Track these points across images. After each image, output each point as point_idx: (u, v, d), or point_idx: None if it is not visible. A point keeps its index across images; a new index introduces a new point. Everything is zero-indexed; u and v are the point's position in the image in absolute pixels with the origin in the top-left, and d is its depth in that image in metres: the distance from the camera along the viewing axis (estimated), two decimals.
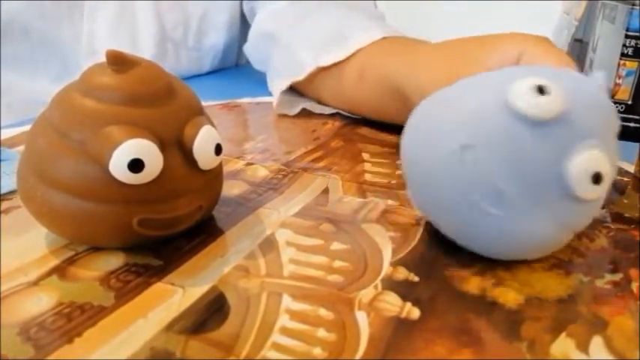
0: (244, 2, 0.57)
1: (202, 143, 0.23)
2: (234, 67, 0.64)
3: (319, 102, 0.47)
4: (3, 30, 0.47)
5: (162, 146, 0.22)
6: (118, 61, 0.22)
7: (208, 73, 0.60)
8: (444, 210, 0.23)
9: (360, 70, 0.41)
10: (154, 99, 0.22)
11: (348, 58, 0.42)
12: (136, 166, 0.20)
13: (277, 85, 0.45)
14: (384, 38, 0.42)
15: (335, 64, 0.43)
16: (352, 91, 0.42)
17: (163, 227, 0.23)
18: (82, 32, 0.49)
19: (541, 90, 0.20)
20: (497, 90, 0.21)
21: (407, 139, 0.24)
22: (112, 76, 0.22)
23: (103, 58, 0.23)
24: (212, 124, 0.24)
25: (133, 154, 0.20)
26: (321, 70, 0.43)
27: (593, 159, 0.20)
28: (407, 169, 0.24)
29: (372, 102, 0.41)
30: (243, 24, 0.57)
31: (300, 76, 0.44)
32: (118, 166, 0.20)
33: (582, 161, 0.20)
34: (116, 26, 0.51)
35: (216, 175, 0.25)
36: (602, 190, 0.21)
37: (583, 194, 0.21)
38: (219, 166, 0.26)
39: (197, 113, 0.24)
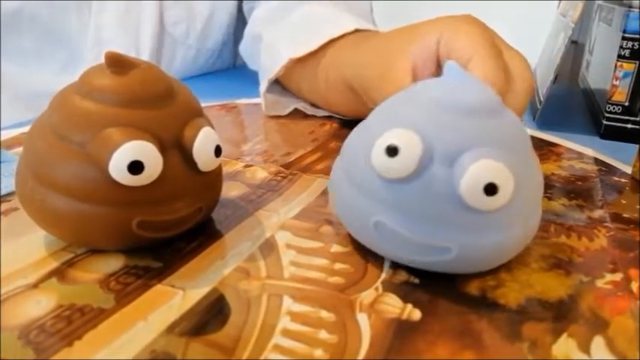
0: (244, 2, 0.57)
1: (202, 145, 0.23)
2: (231, 67, 0.64)
3: (302, 99, 0.47)
4: (10, 20, 0.47)
5: (162, 148, 0.21)
6: (117, 63, 0.22)
7: (206, 74, 0.60)
8: (391, 258, 0.23)
9: (327, 65, 0.41)
10: (153, 101, 0.22)
11: (320, 52, 0.42)
12: (135, 167, 0.20)
13: (262, 85, 0.45)
14: (357, 30, 0.42)
15: (309, 58, 0.42)
16: (323, 87, 0.42)
17: (163, 229, 0.23)
18: (90, 24, 0.49)
19: (392, 151, 0.20)
20: (368, 154, 0.21)
21: (332, 204, 0.25)
22: (111, 77, 0.22)
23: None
24: (211, 126, 0.24)
25: (132, 156, 0.20)
26: (297, 66, 0.43)
27: (480, 172, 0.19)
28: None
29: (338, 98, 0.41)
30: (241, 24, 0.57)
31: (275, 72, 0.44)
32: (117, 168, 0.20)
33: (469, 179, 0.19)
34: (122, 19, 0.51)
35: (215, 177, 0.25)
36: (504, 198, 0.19)
37: (482, 207, 0.20)
38: (219, 168, 0.26)
39: (196, 115, 0.24)
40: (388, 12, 0.59)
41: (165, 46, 0.54)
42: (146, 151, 0.21)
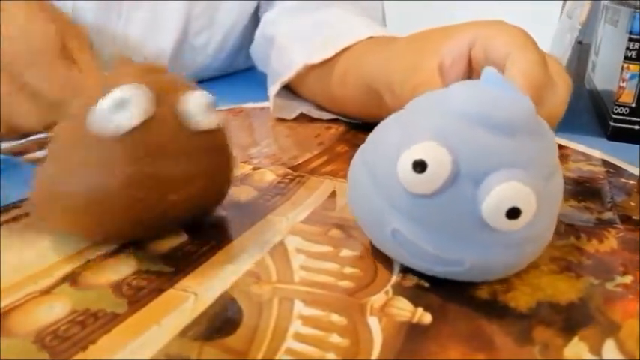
0: (261, 6, 0.56)
1: (191, 101, 0.23)
2: (239, 71, 0.64)
3: (312, 103, 0.47)
4: None
5: (157, 102, 0.22)
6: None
7: (213, 78, 0.60)
8: (407, 264, 0.23)
9: (345, 70, 0.41)
10: (146, 72, 0.23)
11: (335, 58, 0.42)
12: (123, 106, 0.21)
13: (271, 88, 0.46)
14: (371, 37, 0.42)
15: (323, 64, 0.43)
16: (339, 92, 0.42)
17: (156, 188, 0.22)
18: (117, 31, 0.50)
19: (421, 166, 0.19)
20: (394, 163, 0.20)
21: (350, 204, 0.24)
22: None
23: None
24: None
25: (122, 95, 0.21)
26: (311, 70, 0.44)
27: (504, 196, 0.19)
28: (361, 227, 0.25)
29: (355, 102, 0.41)
30: (252, 27, 0.57)
31: (288, 76, 0.44)
32: (107, 110, 0.21)
33: (492, 201, 0.19)
34: (149, 28, 0.51)
35: (216, 149, 0.25)
36: (525, 221, 0.19)
37: (502, 228, 0.19)
38: (221, 141, 0.25)
39: (189, 87, 0.24)
40: (396, 14, 0.59)
41: (185, 54, 0.54)
42: (139, 91, 0.21)
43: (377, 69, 0.36)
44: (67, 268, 0.23)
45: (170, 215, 0.24)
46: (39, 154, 0.33)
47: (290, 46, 0.46)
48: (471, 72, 0.31)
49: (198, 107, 0.23)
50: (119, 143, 0.21)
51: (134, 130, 0.21)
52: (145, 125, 0.21)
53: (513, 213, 0.19)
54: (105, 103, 0.21)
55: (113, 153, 0.22)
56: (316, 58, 0.43)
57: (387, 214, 0.21)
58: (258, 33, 0.53)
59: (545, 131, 0.22)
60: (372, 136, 0.24)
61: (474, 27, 0.31)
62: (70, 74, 0.26)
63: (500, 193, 0.19)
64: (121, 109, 0.21)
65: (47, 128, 0.27)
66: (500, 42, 0.29)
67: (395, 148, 0.21)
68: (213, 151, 0.25)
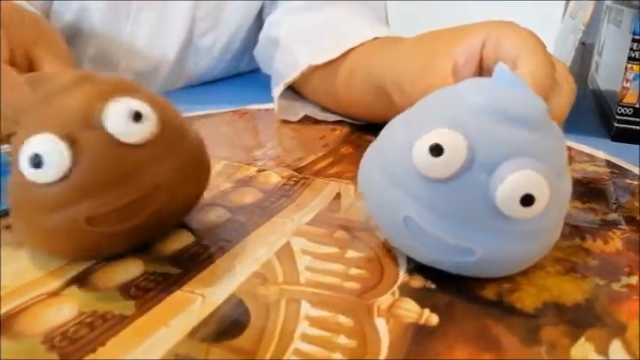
0: (265, 7, 0.56)
1: (112, 115, 0.21)
2: (243, 73, 0.64)
3: (317, 104, 0.47)
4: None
5: (71, 137, 0.21)
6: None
7: (218, 80, 0.60)
8: (412, 256, 0.23)
9: (350, 70, 0.41)
10: (58, 92, 0.22)
11: (340, 59, 0.42)
12: (37, 162, 0.20)
13: (276, 89, 0.46)
14: (376, 38, 0.42)
15: (328, 65, 0.43)
16: (344, 92, 0.43)
17: (119, 219, 0.22)
18: (126, 32, 0.50)
19: (437, 150, 0.20)
20: (410, 150, 0.21)
21: (362, 197, 0.24)
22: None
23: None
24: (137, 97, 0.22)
25: (32, 151, 0.20)
26: (316, 71, 0.44)
27: (518, 183, 0.19)
28: (372, 220, 0.25)
29: (361, 102, 0.41)
30: (257, 29, 0.58)
31: (292, 77, 0.44)
32: (25, 167, 0.21)
33: (506, 188, 0.19)
34: (156, 30, 0.51)
35: (166, 149, 0.23)
36: (538, 210, 0.20)
37: (515, 216, 0.20)
38: (175, 143, 0.23)
39: (119, 92, 0.22)
40: (397, 14, 0.59)
41: (190, 56, 0.55)
42: (47, 144, 0.20)
43: (385, 69, 0.36)
44: (75, 271, 0.23)
45: (148, 230, 0.23)
46: None
47: (294, 47, 0.46)
48: (481, 72, 0.31)
49: (126, 117, 0.21)
50: (56, 189, 0.21)
51: (63, 176, 0.21)
52: (72, 166, 0.21)
53: (527, 200, 0.19)
54: (22, 159, 0.21)
55: (54, 199, 0.21)
56: (321, 59, 0.43)
57: (400, 203, 0.21)
58: (262, 35, 0.53)
59: (557, 131, 0.22)
60: (384, 131, 0.24)
61: (485, 27, 0.31)
62: (20, 87, 0.25)
63: (515, 180, 0.19)
64: (37, 165, 0.20)
65: (7, 140, 0.25)
66: (511, 43, 0.29)
67: (409, 137, 0.21)
68: (162, 158, 0.23)
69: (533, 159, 0.20)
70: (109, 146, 0.21)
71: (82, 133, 0.21)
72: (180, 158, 0.24)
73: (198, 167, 0.25)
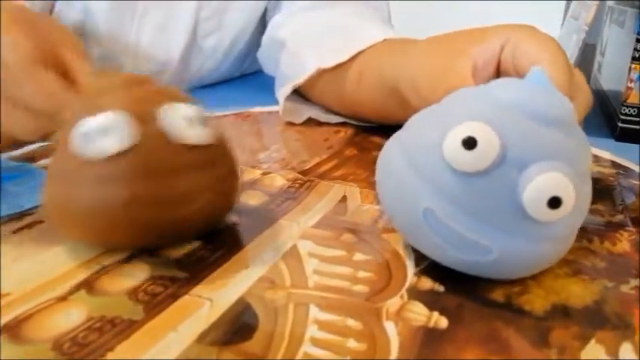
0: (268, 9, 0.56)
1: (175, 114, 0.23)
2: (246, 75, 0.64)
3: (323, 106, 0.47)
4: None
5: (142, 121, 0.22)
6: None
7: (221, 83, 0.60)
8: (427, 253, 0.23)
9: (360, 71, 0.41)
10: (128, 84, 0.24)
11: (348, 61, 0.42)
12: (105, 133, 0.21)
13: (282, 91, 0.46)
14: (385, 40, 0.42)
15: (336, 67, 0.43)
16: (352, 93, 0.42)
17: (155, 209, 0.22)
18: (131, 32, 0.50)
19: (470, 143, 0.19)
20: (440, 142, 0.21)
21: (379, 188, 0.24)
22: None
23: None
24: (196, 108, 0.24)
25: (104, 122, 0.21)
26: (324, 73, 0.44)
27: (547, 185, 0.19)
28: (386, 214, 0.25)
29: (371, 102, 0.41)
30: (260, 31, 0.58)
31: (300, 79, 0.44)
32: (83, 136, 0.21)
33: (535, 188, 0.19)
34: (160, 30, 0.51)
35: (212, 162, 0.24)
36: (563, 213, 0.20)
37: (540, 218, 0.20)
38: (217, 153, 0.25)
39: (173, 99, 0.24)
40: (398, 14, 0.59)
41: (193, 57, 0.55)
42: (122, 120, 0.21)
43: (398, 70, 0.36)
44: (83, 275, 0.23)
45: (178, 229, 0.24)
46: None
47: (301, 50, 0.46)
48: (497, 75, 0.31)
49: (182, 121, 0.23)
50: (107, 166, 0.22)
51: (120, 153, 0.21)
52: (131, 147, 0.22)
53: (554, 202, 0.19)
54: (86, 128, 0.21)
55: (101, 175, 0.22)
56: (330, 62, 0.43)
57: (421, 193, 0.21)
58: (265, 36, 0.53)
59: (582, 135, 0.22)
60: (410, 123, 0.24)
61: (505, 30, 0.31)
62: (54, 85, 0.26)
63: (544, 181, 0.19)
64: (103, 135, 0.21)
65: (45, 137, 0.27)
66: (533, 48, 0.29)
67: (439, 129, 0.21)
68: (210, 165, 0.24)
69: (562, 161, 0.20)
70: (164, 141, 0.22)
71: (142, 123, 0.22)
72: (225, 170, 0.25)
73: (237, 179, 0.26)
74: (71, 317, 0.20)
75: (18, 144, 0.29)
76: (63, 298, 0.21)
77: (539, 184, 0.19)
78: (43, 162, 0.33)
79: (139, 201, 0.22)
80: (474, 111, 0.21)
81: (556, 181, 0.19)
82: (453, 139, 0.20)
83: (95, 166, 0.22)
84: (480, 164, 0.20)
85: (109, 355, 0.18)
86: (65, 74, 0.27)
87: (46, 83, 0.26)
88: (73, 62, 0.28)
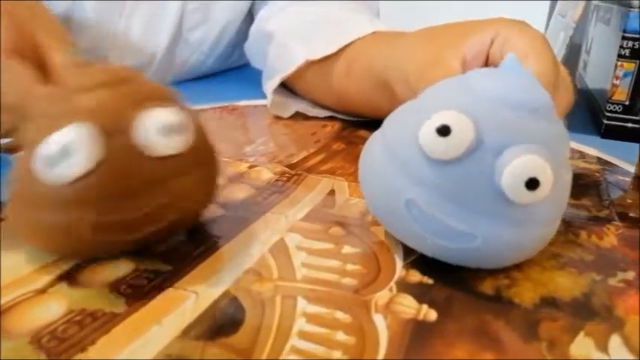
0: (255, 2, 0.56)
1: (144, 124, 0.21)
2: (232, 68, 0.64)
3: (311, 99, 0.47)
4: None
5: (106, 133, 0.20)
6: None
7: (208, 76, 0.60)
8: (412, 244, 0.23)
9: (348, 63, 0.41)
10: (95, 87, 0.21)
11: (337, 53, 0.42)
12: (65, 154, 0.19)
13: (270, 83, 0.45)
14: (374, 32, 0.42)
15: (325, 59, 0.42)
16: (340, 86, 0.42)
17: (123, 230, 0.21)
18: (119, 26, 0.49)
19: (444, 130, 0.20)
20: (416, 132, 0.21)
21: (361, 182, 0.24)
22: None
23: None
24: (183, 110, 0.22)
25: (61, 143, 0.19)
26: (312, 66, 0.43)
27: (524, 167, 0.19)
28: (368, 206, 0.25)
29: (359, 95, 0.41)
30: (247, 24, 0.57)
31: (289, 71, 0.44)
32: (49, 159, 0.19)
33: (512, 171, 0.19)
34: (148, 23, 0.50)
35: (188, 171, 0.22)
36: (541, 195, 0.20)
37: (519, 200, 0.20)
38: (194, 160, 0.23)
39: (153, 99, 0.22)
40: (385, 10, 0.59)
41: (179, 50, 0.54)
42: (83, 135, 0.19)
43: (387, 62, 0.36)
44: (64, 267, 0.22)
45: (145, 242, 0.23)
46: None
47: (289, 42, 0.46)
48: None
49: (156, 132, 0.21)
50: (69, 191, 0.20)
51: (84, 175, 0.20)
52: (96, 166, 0.20)
53: (532, 184, 0.19)
54: (45, 150, 0.19)
55: (64, 200, 0.20)
56: (319, 54, 0.42)
57: (403, 185, 0.21)
58: (253, 29, 0.52)
59: (561, 125, 0.22)
60: (391, 116, 0.24)
61: (494, 24, 0.31)
62: (27, 79, 0.24)
63: (521, 163, 0.19)
64: (65, 157, 0.19)
65: (8, 133, 0.25)
66: (520, 42, 0.29)
67: (416, 119, 0.21)
68: (184, 173, 0.22)
69: (539, 145, 0.20)
70: (135, 155, 0.21)
71: (111, 135, 0.20)
72: (202, 173, 0.23)
73: (214, 180, 0.25)
74: (51, 310, 0.20)
75: None
76: (42, 291, 0.21)
77: (515, 166, 0.19)
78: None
79: (104, 224, 0.20)
80: (449, 100, 0.21)
81: (532, 163, 0.19)
82: (428, 128, 0.20)
83: (57, 191, 0.20)
84: (455, 151, 0.20)
85: (90, 349, 0.18)
86: (44, 64, 0.26)
87: (18, 76, 0.24)
88: (52, 53, 0.27)
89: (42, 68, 0.25)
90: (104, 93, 0.21)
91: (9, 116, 0.24)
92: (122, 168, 0.20)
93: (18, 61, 0.25)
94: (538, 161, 0.19)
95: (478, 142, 0.20)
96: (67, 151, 0.19)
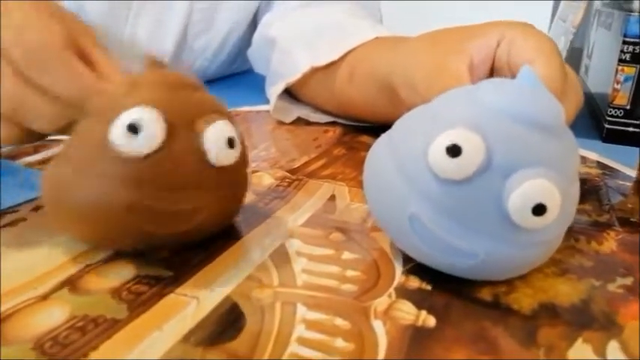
0: (259, 8, 0.56)
1: (212, 133, 0.22)
2: (235, 74, 0.64)
3: (314, 105, 0.47)
4: None
5: (172, 127, 0.21)
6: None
7: (211, 82, 0.60)
8: (412, 255, 0.23)
9: (351, 69, 0.41)
10: (169, 87, 0.23)
11: (340, 59, 0.42)
12: (133, 129, 0.20)
13: (274, 89, 0.45)
14: (376, 38, 0.42)
15: (329, 65, 0.43)
16: (343, 91, 0.42)
17: (157, 219, 0.22)
18: (125, 33, 0.49)
19: (454, 151, 0.19)
20: (425, 148, 0.20)
21: (366, 187, 0.24)
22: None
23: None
24: (233, 125, 0.23)
25: (132, 118, 0.21)
26: (316, 72, 0.44)
27: (532, 192, 0.19)
28: (372, 213, 0.24)
29: (362, 100, 0.41)
30: (251, 30, 0.57)
31: (294, 78, 0.44)
32: (118, 129, 0.21)
33: (519, 196, 0.19)
34: (154, 30, 0.50)
35: (231, 182, 0.24)
36: (548, 220, 0.19)
37: (525, 225, 0.20)
38: (237, 173, 0.24)
39: (215, 112, 0.23)
40: (387, 13, 0.59)
41: (184, 56, 0.54)
42: (148, 115, 0.21)
43: (391, 66, 0.36)
44: (66, 274, 0.22)
45: (172, 241, 0.23)
46: (36, 157, 0.33)
47: (293, 48, 0.46)
48: (492, 71, 0.31)
49: (218, 143, 0.22)
50: (128, 167, 0.21)
51: (147, 158, 0.21)
52: (158, 156, 0.21)
53: (539, 210, 0.19)
54: (120, 121, 0.21)
55: (121, 174, 0.21)
56: (323, 60, 0.43)
57: (408, 198, 0.21)
58: (256, 35, 0.53)
59: (571, 137, 0.22)
60: (400, 123, 0.23)
61: (500, 27, 0.31)
62: (87, 74, 0.25)
63: (529, 188, 0.19)
64: (133, 132, 0.20)
65: (60, 131, 0.25)
66: (528, 46, 0.29)
67: (426, 133, 0.20)
68: (227, 185, 0.24)
69: (549, 167, 0.19)
70: (197, 156, 0.22)
71: (179, 130, 0.21)
72: (236, 185, 0.25)
73: (241, 198, 0.26)
74: (53, 316, 0.20)
75: (29, 139, 0.27)
76: (44, 297, 0.21)
77: (524, 191, 0.19)
78: (28, 159, 0.33)
79: (141, 209, 0.21)
80: (460, 116, 0.20)
81: (541, 188, 0.19)
82: (438, 146, 0.20)
83: (113, 161, 0.21)
84: (465, 172, 0.19)
85: (92, 355, 0.18)
86: (90, 67, 0.26)
87: (78, 70, 0.25)
88: (100, 54, 0.27)
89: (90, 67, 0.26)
90: (169, 90, 0.23)
91: (68, 111, 0.25)
92: (179, 164, 0.21)
93: (75, 57, 0.25)
94: (547, 186, 0.19)
95: (488, 162, 0.19)
96: (139, 126, 0.20)
